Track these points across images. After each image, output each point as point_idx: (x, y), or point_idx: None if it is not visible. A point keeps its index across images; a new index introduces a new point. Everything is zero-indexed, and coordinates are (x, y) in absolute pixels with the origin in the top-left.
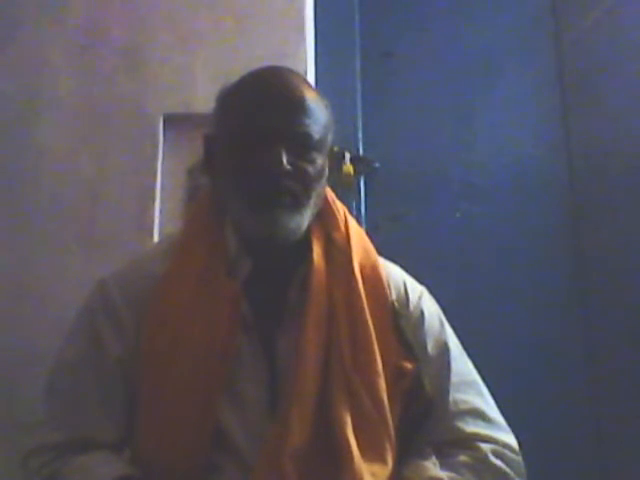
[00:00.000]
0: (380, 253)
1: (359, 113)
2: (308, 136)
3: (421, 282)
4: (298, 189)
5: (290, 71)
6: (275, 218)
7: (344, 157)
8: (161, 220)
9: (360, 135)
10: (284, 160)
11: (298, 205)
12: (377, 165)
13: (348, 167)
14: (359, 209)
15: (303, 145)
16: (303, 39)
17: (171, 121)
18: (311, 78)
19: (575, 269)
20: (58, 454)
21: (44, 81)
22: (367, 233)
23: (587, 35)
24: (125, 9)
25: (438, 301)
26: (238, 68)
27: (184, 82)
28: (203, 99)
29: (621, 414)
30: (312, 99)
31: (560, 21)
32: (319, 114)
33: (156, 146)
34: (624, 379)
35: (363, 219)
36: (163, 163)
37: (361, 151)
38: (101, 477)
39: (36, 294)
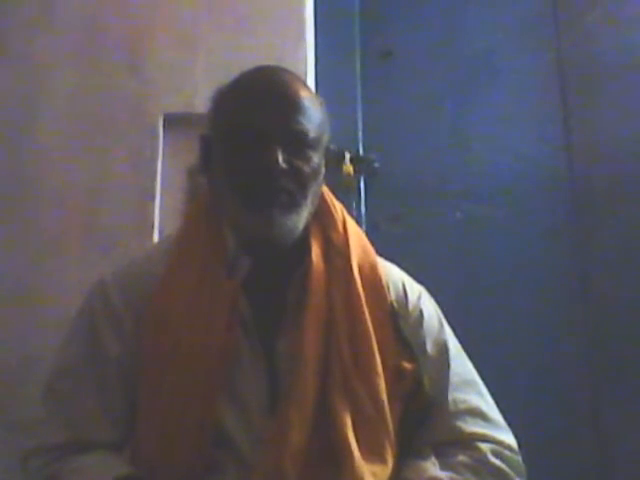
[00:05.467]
0: (380, 253)
1: (359, 113)
2: (303, 134)
3: (421, 282)
4: (294, 188)
5: (284, 70)
6: (271, 218)
7: (344, 157)
8: (161, 220)
9: (360, 135)
10: (279, 158)
11: (294, 204)
12: (377, 165)
13: (348, 167)
14: (359, 209)
15: (298, 143)
16: (303, 39)
17: (171, 121)
18: (311, 78)
19: (575, 268)
20: (58, 455)
21: (44, 81)
22: (367, 233)
23: (587, 35)
24: (125, 9)
25: (438, 301)
26: (238, 68)
27: (184, 82)
28: (203, 99)
29: (622, 414)
30: (306, 97)
31: (560, 21)
32: (314, 112)
33: (156, 146)
34: (626, 377)
35: (363, 219)
36: (163, 163)
37: (361, 151)
38: (100, 477)
39: (36, 294)
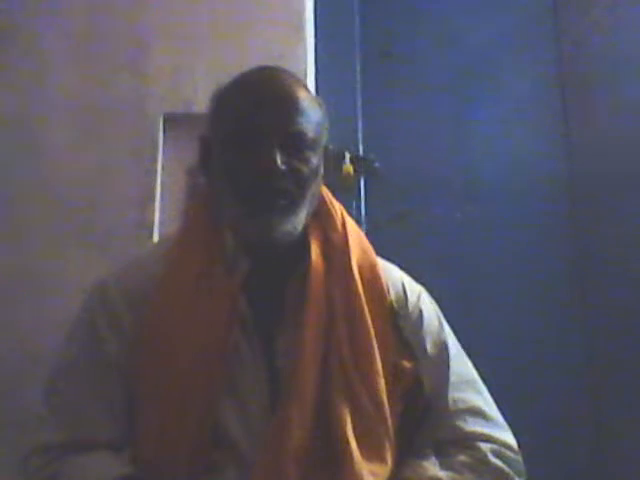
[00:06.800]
0: (380, 253)
1: (359, 113)
2: (302, 135)
3: (421, 282)
4: (293, 189)
5: (283, 70)
6: (270, 221)
7: (344, 157)
8: (161, 220)
9: (360, 135)
10: (278, 160)
11: (293, 206)
12: (377, 165)
13: (348, 167)
14: (359, 209)
15: (297, 144)
16: (303, 39)
17: (171, 121)
18: (311, 78)
19: (575, 269)
20: (58, 454)
21: (44, 81)
22: (367, 233)
23: (587, 35)
24: (125, 9)
25: (438, 301)
26: (238, 68)
27: (184, 82)
28: (203, 99)
29: (621, 413)
30: (305, 98)
31: (560, 21)
32: (312, 113)
33: (156, 146)
34: (624, 378)
35: (363, 219)
36: (163, 163)
37: (361, 151)
38: (101, 477)
39: (36, 294)
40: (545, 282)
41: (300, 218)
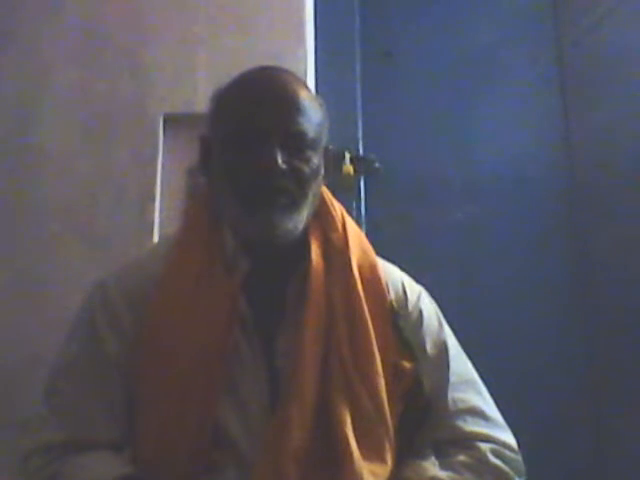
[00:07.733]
0: (380, 253)
1: (359, 113)
2: (302, 135)
3: (421, 282)
4: (294, 188)
5: (283, 70)
6: (271, 220)
7: (344, 157)
8: (161, 220)
9: (360, 135)
10: (279, 159)
11: (294, 205)
12: (377, 165)
13: (348, 167)
14: (359, 209)
15: (298, 144)
16: (303, 39)
17: (171, 121)
18: (311, 78)
19: (576, 268)
20: (58, 454)
21: (44, 81)
22: (367, 233)
23: (587, 35)
24: (125, 9)
25: (438, 301)
26: (238, 68)
27: (184, 82)
28: (203, 99)
29: (621, 413)
30: (305, 97)
31: (560, 21)
32: (313, 112)
33: (156, 146)
34: (624, 378)
35: (363, 219)
36: (163, 163)
37: (361, 151)
38: (101, 477)
39: (36, 294)
40: (545, 282)
41: (301, 217)
